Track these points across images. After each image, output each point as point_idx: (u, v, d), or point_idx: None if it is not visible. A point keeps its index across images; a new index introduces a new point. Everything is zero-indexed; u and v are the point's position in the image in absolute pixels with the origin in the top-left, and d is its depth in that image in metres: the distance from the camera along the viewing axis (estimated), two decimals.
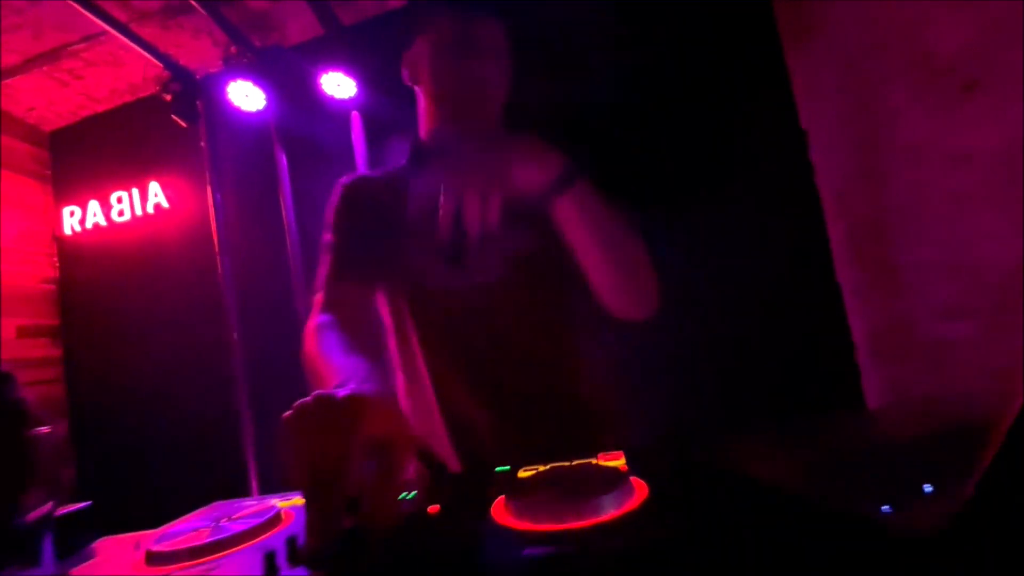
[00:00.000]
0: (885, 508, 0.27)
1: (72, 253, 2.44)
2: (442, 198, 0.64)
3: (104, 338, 2.39)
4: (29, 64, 2.09)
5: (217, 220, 2.24)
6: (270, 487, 2.15)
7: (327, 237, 0.83)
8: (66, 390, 2.41)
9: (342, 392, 0.37)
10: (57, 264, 2.45)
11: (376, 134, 2.15)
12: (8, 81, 2.15)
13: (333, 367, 0.57)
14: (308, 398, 0.37)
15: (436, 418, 0.81)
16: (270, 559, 0.30)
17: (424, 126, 0.87)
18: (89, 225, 2.41)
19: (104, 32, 1.95)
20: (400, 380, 0.89)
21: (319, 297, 0.78)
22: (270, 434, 2.15)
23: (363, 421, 0.36)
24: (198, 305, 2.28)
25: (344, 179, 0.88)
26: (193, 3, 1.86)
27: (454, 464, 0.79)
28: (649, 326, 0.82)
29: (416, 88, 0.86)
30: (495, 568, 0.28)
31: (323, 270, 0.81)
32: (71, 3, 1.76)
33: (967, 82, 1.20)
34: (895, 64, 1.37)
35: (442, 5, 0.81)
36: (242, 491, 2.12)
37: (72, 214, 2.42)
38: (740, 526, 0.29)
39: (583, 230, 0.68)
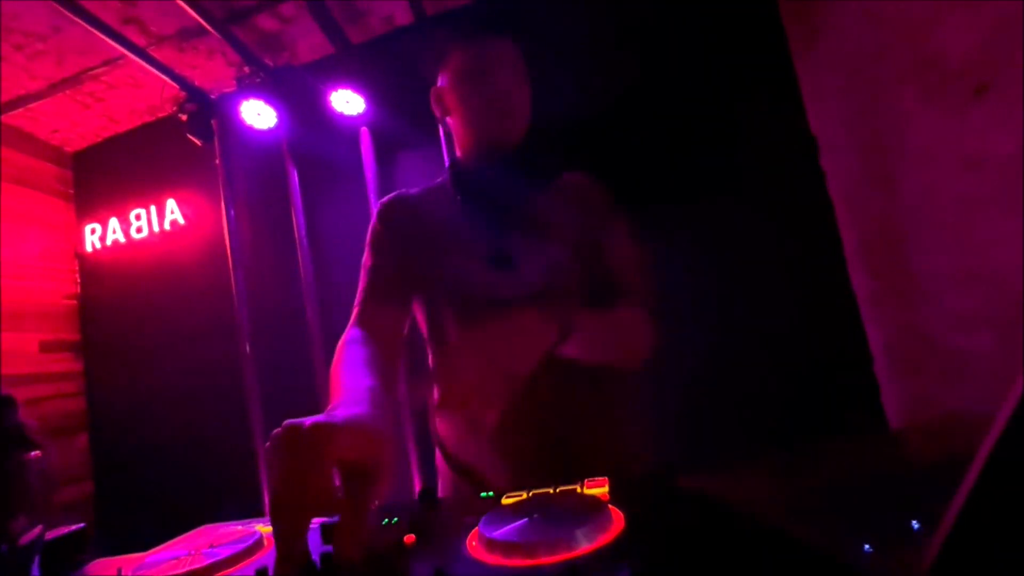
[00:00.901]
0: (867, 547, 0.25)
1: (92, 269, 2.51)
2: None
3: (123, 352, 2.44)
4: (53, 88, 2.17)
5: (231, 235, 2.28)
6: None
7: (366, 256, 0.87)
8: (87, 403, 2.46)
9: (309, 420, 0.38)
10: (79, 280, 2.52)
11: (385, 149, 2.18)
12: (33, 105, 2.24)
13: (340, 387, 0.58)
14: (279, 427, 0.37)
15: (470, 432, 0.83)
16: None
17: (460, 150, 0.91)
18: (109, 242, 2.47)
19: (123, 56, 2.01)
20: (436, 394, 0.91)
21: (355, 311, 0.82)
22: None
23: (328, 448, 0.36)
24: (212, 319, 2.32)
25: (384, 199, 0.91)
26: (207, 26, 1.91)
27: (497, 480, 0.79)
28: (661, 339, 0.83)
29: (448, 120, 0.89)
30: None
31: (360, 286, 0.85)
32: (91, 30, 1.82)
33: (978, 85, 1.16)
34: (904, 67, 1.34)
35: (455, 36, 0.84)
36: (255, 505, 2.13)
37: (93, 231, 2.49)
38: (714, 565, 0.28)
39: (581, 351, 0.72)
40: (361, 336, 0.75)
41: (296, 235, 2.22)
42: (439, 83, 0.87)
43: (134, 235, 2.45)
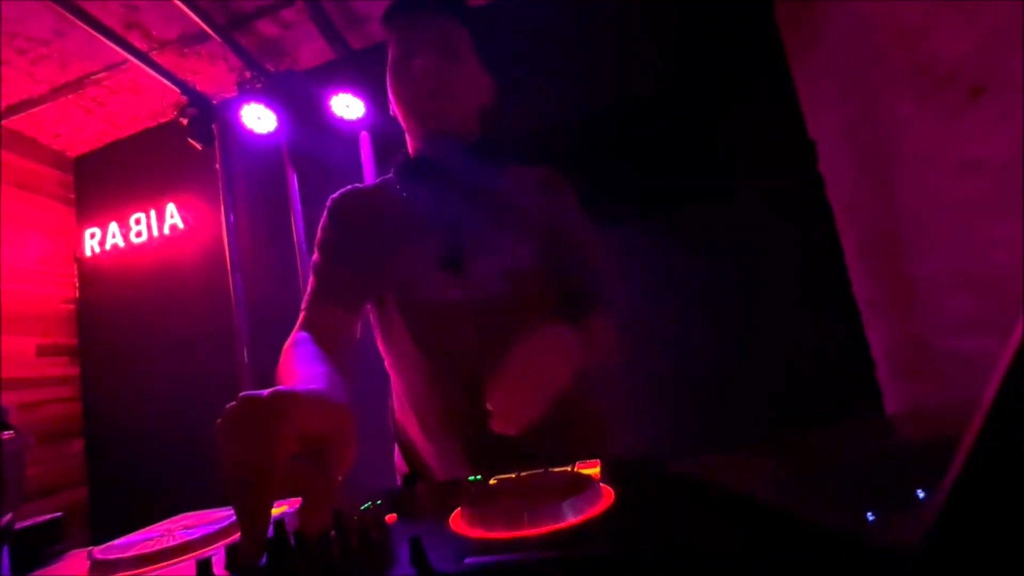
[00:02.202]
0: (870, 515, 0.24)
1: (91, 274, 2.51)
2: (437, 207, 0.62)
3: (120, 357, 2.43)
4: (56, 93, 2.19)
5: (230, 240, 2.28)
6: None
7: (315, 256, 0.82)
8: (83, 408, 2.45)
9: (268, 391, 0.36)
10: (77, 285, 2.52)
11: (384, 153, 2.18)
12: (36, 110, 2.25)
13: (293, 375, 0.55)
14: (234, 401, 0.36)
15: (426, 428, 0.79)
16: (204, 566, 0.28)
17: (409, 143, 0.87)
18: (108, 246, 2.47)
19: (126, 61, 2.03)
20: (395, 394, 0.87)
21: (301, 316, 0.77)
22: None
23: (289, 418, 0.34)
24: (211, 323, 2.31)
25: (334, 194, 0.87)
26: (209, 31, 1.93)
27: (443, 478, 0.76)
28: (662, 344, 0.80)
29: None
30: None
31: (308, 289, 0.80)
32: (95, 34, 1.84)
33: (974, 88, 1.16)
34: (899, 72, 1.35)
35: (390, 25, 0.81)
36: None
37: (93, 236, 2.50)
38: (703, 537, 0.26)
39: None
40: (307, 338, 0.69)
41: (295, 240, 2.22)
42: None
43: (134, 240, 2.45)
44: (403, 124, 0.84)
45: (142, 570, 0.34)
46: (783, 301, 1.74)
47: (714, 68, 1.87)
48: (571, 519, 0.30)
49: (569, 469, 0.41)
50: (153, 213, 2.44)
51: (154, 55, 2.07)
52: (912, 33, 1.25)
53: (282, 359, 0.64)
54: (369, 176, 2.15)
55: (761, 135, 1.81)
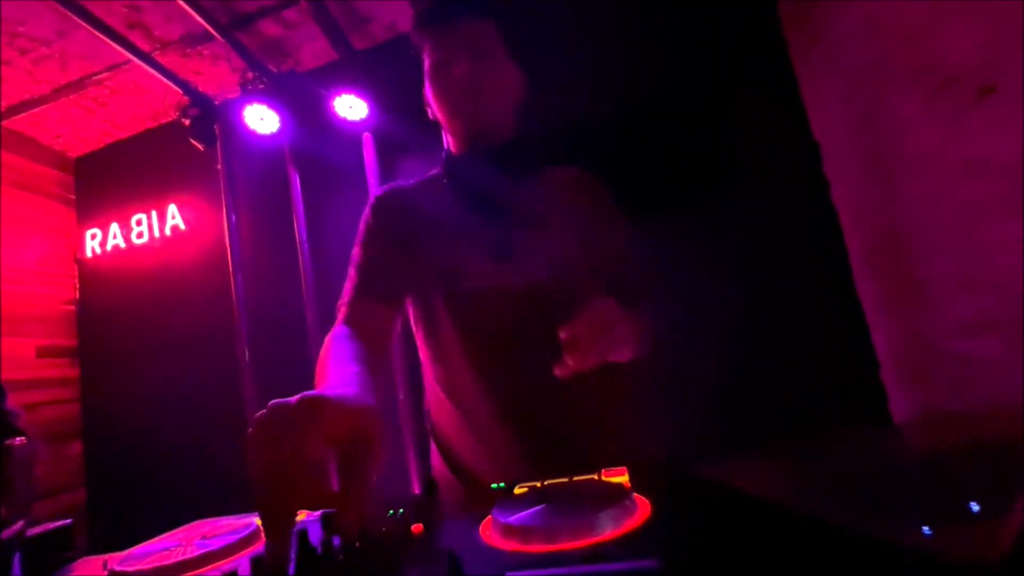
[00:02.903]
0: (926, 529, 0.23)
1: (92, 275, 2.50)
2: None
3: (120, 359, 2.41)
4: (57, 93, 2.18)
5: (232, 241, 2.27)
6: None
7: (355, 252, 0.85)
8: (82, 410, 2.43)
9: (297, 396, 0.36)
10: (77, 286, 2.50)
11: (388, 155, 2.17)
12: (37, 110, 2.24)
13: (327, 377, 0.56)
14: (264, 409, 0.35)
15: (467, 427, 0.80)
16: None
17: (451, 144, 0.90)
18: (109, 247, 2.46)
19: (128, 61, 2.02)
20: (430, 391, 0.88)
21: (342, 311, 0.81)
22: None
23: (318, 423, 0.34)
24: (212, 325, 2.29)
25: (378, 191, 0.90)
26: (212, 31, 1.92)
27: (488, 477, 0.76)
28: (667, 344, 0.81)
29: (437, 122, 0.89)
30: None
31: (348, 284, 0.83)
32: (97, 34, 1.83)
33: (980, 89, 1.16)
34: (904, 72, 1.34)
35: (424, 32, 0.83)
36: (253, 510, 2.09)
37: (94, 236, 2.48)
38: (750, 550, 0.26)
39: None
40: (348, 333, 0.72)
41: (298, 242, 2.21)
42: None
43: (135, 240, 2.43)
44: (444, 126, 0.87)
45: None
46: (787, 303, 1.73)
47: (717, 68, 1.86)
48: (609, 531, 0.29)
49: (596, 477, 0.40)
50: (155, 214, 2.43)
51: (156, 55, 2.06)
52: (917, 33, 1.25)
53: (321, 355, 0.67)
54: (372, 178, 2.14)
55: (765, 136, 1.81)
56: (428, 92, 0.84)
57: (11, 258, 2.22)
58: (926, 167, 1.28)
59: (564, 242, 0.79)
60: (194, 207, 2.41)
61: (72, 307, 2.48)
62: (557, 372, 0.58)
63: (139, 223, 2.44)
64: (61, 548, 0.51)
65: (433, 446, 0.89)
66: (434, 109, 0.85)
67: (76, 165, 2.60)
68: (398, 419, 1.96)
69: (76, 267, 2.51)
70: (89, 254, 2.48)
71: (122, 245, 2.45)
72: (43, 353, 2.32)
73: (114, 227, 2.46)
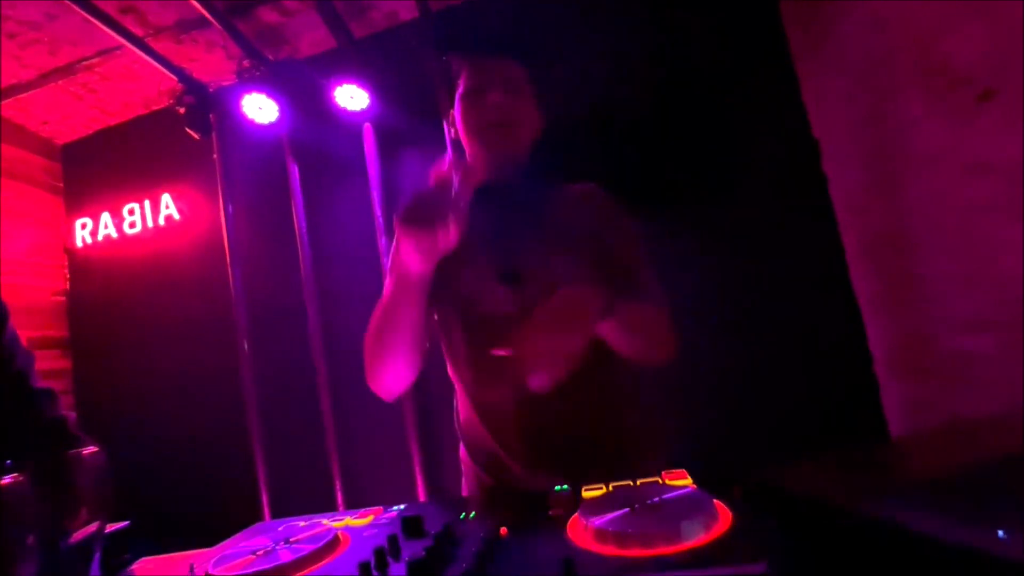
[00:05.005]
0: (1000, 534, 0.25)
1: (83, 265, 2.44)
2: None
3: (113, 351, 2.38)
4: (45, 79, 2.11)
5: (228, 232, 2.24)
6: (281, 504, 2.12)
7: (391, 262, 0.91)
8: (75, 402, 2.39)
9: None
10: (68, 276, 2.45)
11: (388, 146, 2.16)
12: (23, 95, 2.17)
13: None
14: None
15: (488, 441, 0.85)
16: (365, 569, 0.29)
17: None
18: (100, 237, 2.41)
19: (119, 47, 1.96)
20: (459, 398, 0.93)
21: None
22: (279, 446, 2.13)
23: None
24: (209, 317, 2.27)
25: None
26: (208, 16, 1.87)
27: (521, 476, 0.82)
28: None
29: (459, 140, 0.93)
30: None
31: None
32: (89, 18, 1.77)
33: (985, 91, 1.19)
34: (910, 73, 1.37)
35: (463, 59, 0.89)
36: (252, 507, 2.09)
37: (84, 226, 2.43)
38: (837, 554, 0.28)
39: (613, 333, 0.74)
40: None
41: (296, 232, 2.19)
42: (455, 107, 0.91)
43: (127, 230, 2.39)
44: (467, 148, 0.91)
45: None
46: (783, 297, 1.77)
47: (717, 66, 1.88)
48: (702, 536, 0.31)
49: (659, 481, 0.42)
50: (147, 203, 2.38)
51: (149, 41, 2.01)
52: (924, 35, 1.28)
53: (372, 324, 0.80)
54: (373, 169, 2.12)
55: (764, 133, 1.83)
56: (457, 113, 0.89)
57: None
58: (930, 167, 1.31)
59: (569, 264, 0.84)
60: (189, 197, 2.36)
61: (62, 298, 2.43)
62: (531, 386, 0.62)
63: (131, 212, 2.39)
64: (120, 550, 0.52)
65: (462, 444, 0.93)
66: (460, 131, 0.90)
67: (64, 152, 2.53)
68: (405, 429, 1.98)
69: (66, 257, 2.46)
70: (79, 244, 2.43)
71: (114, 235, 2.40)
72: (33, 344, 2.26)
73: (105, 217, 2.41)
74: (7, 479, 0.35)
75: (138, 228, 2.38)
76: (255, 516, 2.05)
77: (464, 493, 0.95)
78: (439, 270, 0.83)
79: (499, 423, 0.85)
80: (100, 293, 2.42)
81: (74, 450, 0.45)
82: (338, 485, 2.05)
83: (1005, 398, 1.18)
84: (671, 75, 1.92)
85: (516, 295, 0.81)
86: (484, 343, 0.81)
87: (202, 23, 1.94)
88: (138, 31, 1.95)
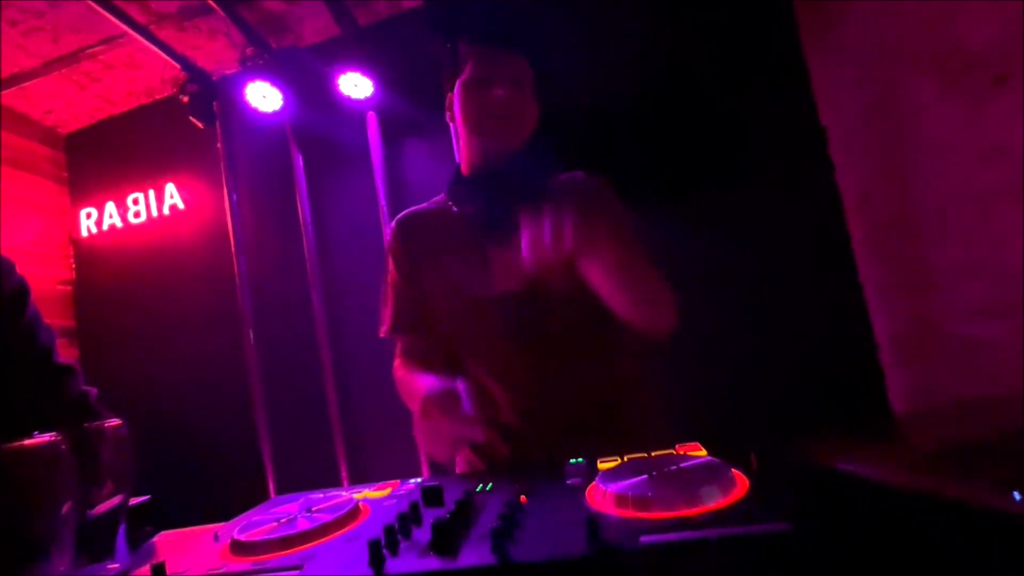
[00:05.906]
0: (1016, 495, 0.26)
1: (88, 255, 2.45)
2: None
3: (119, 340, 2.39)
4: (48, 67, 2.10)
5: (233, 220, 2.24)
6: (287, 486, 2.14)
7: (391, 274, 0.94)
8: None
9: None
10: (73, 266, 2.46)
11: (392, 134, 2.15)
12: (26, 84, 2.16)
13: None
14: None
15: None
16: (375, 547, 0.29)
17: (463, 157, 0.94)
18: (105, 227, 2.41)
19: (123, 34, 1.96)
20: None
21: (398, 345, 0.95)
22: (284, 431, 2.15)
23: None
24: (214, 305, 2.28)
25: (398, 216, 0.97)
26: (212, 3, 1.86)
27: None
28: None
29: (453, 125, 0.93)
30: (614, 557, 0.27)
31: (389, 303, 0.94)
32: (92, 5, 1.77)
33: (997, 76, 1.18)
34: (920, 58, 1.36)
35: (470, 47, 0.88)
36: (259, 490, 2.11)
37: (89, 216, 2.43)
38: (850, 515, 0.28)
39: (603, 279, 0.73)
40: (410, 363, 0.88)
41: (301, 221, 2.19)
42: (454, 92, 0.91)
43: (132, 220, 2.39)
44: (463, 136, 0.91)
45: (290, 551, 0.35)
46: (789, 284, 1.78)
47: (726, 53, 1.87)
48: (720, 501, 0.31)
49: (675, 452, 0.43)
50: (152, 193, 2.38)
51: (153, 28, 2.00)
52: (936, 20, 1.27)
53: (401, 373, 0.88)
54: (376, 157, 2.12)
55: (772, 120, 1.83)
56: (457, 100, 0.88)
57: (3, 237, 2.16)
58: (942, 153, 1.31)
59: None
60: (193, 186, 2.37)
61: (68, 287, 2.44)
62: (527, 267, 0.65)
63: (136, 202, 2.39)
64: (142, 523, 0.53)
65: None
66: (459, 119, 0.89)
67: (67, 141, 2.53)
68: (408, 414, 1.99)
69: (71, 247, 2.47)
70: (84, 233, 2.44)
71: (119, 224, 2.41)
72: None
73: (110, 206, 2.41)
74: (46, 436, 0.36)
75: (143, 218, 2.38)
76: (262, 498, 2.07)
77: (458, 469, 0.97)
78: (431, 267, 0.89)
79: (499, 411, 0.87)
80: (105, 282, 2.42)
81: (97, 423, 0.46)
82: (343, 470, 2.07)
83: (1012, 384, 1.18)
84: (679, 63, 1.91)
85: (490, 281, 0.84)
86: (467, 329, 0.88)
87: (205, 10, 1.93)
88: (141, 19, 1.94)
